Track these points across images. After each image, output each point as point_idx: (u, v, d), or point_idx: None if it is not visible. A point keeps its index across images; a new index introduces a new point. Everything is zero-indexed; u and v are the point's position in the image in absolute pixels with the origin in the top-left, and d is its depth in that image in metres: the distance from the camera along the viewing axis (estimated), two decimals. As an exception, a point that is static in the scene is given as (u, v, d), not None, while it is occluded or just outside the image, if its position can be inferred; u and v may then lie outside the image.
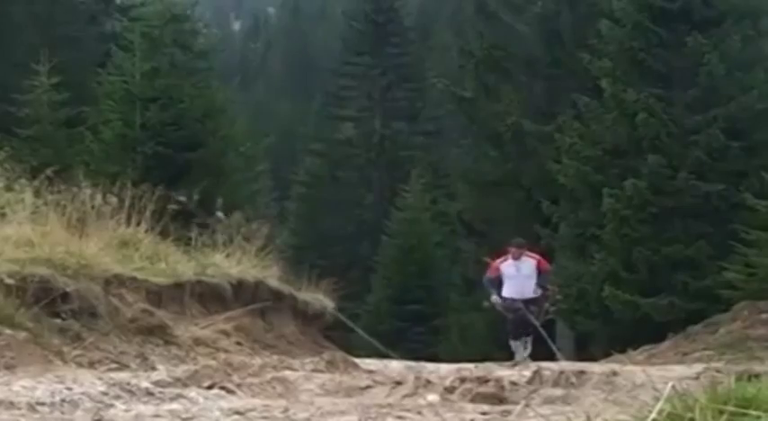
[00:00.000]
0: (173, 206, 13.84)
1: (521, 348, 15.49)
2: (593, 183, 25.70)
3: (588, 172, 25.86)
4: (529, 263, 15.51)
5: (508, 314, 15.42)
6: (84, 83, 29.38)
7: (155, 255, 12.71)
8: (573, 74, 29.93)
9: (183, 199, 14.50)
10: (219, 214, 14.81)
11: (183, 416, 6.51)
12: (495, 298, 15.41)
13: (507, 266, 15.54)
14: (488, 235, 32.38)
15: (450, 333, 32.76)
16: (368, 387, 8.48)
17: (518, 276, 15.41)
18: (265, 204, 32.41)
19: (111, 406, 6.72)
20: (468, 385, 8.06)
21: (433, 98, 45.44)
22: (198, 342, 11.28)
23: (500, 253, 16.17)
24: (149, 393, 7.22)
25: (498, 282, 15.66)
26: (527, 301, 15.23)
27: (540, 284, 15.53)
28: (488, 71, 32.17)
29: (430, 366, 11.83)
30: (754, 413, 3.12)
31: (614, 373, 8.59)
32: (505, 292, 15.48)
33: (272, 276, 15.30)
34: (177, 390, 7.53)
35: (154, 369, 9.47)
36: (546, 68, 31.28)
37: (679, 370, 10.33)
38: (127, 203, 12.53)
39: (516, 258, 15.48)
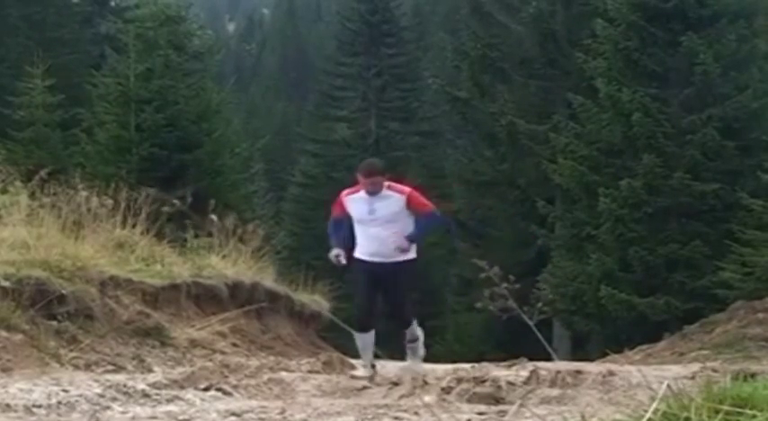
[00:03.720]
0: (166, 208, 13.85)
1: (368, 353, 9.68)
2: (588, 183, 25.71)
3: (584, 172, 25.87)
4: (393, 199, 9.45)
5: (357, 289, 9.66)
6: (78, 85, 29.41)
7: (150, 256, 12.71)
8: (568, 73, 29.98)
9: (176, 202, 14.46)
10: (213, 217, 14.79)
11: (180, 417, 6.51)
12: (335, 251, 9.49)
13: (356, 204, 9.52)
14: (484, 235, 32.45)
15: (446, 333, 32.78)
16: (365, 388, 8.48)
17: (372, 222, 9.45)
18: (261, 205, 32.39)
19: (108, 408, 6.72)
20: (464, 385, 8.06)
21: (428, 98, 45.52)
22: (194, 343, 11.27)
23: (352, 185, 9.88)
24: (146, 395, 7.23)
25: (349, 229, 9.71)
26: (388, 266, 9.43)
27: (416, 235, 9.53)
28: (483, 71, 32.22)
29: (426, 367, 11.82)
30: (749, 412, 3.13)
31: (611, 373, 8.59)
32: (356, 250, 9.65)
33: (268, 277, 15.30)
34: (174, 392, 7.53)
35: (150, 371, 9.47)
36: (541, 68, 31.32)
37: (675, 369, 10.34)
38: (122, 205, 12.54)
39: (371, 192, 9.45)
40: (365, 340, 9.69)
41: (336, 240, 9.67)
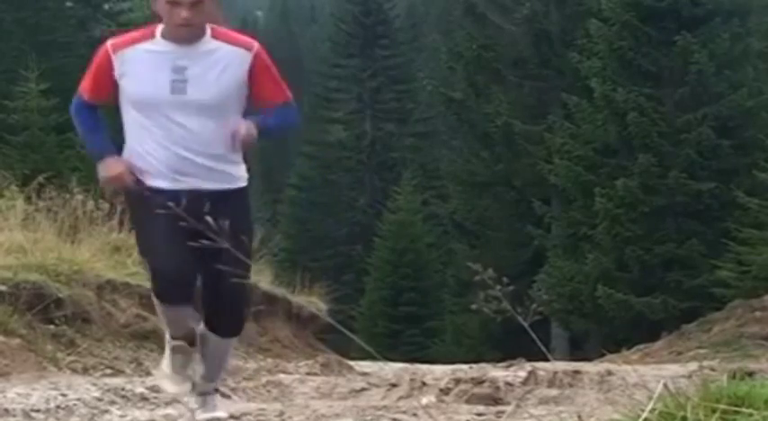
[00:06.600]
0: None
1: (184, 350, 5.32)
2: (584, 183, 25.73)
3: (579, 172, 25.89)
4: (227, 56, 4.94)
5: (151, 235, 5.06)
6: (73, 88, 29.24)
7: (147, 260, 12.68)
8: (562, 74, 30.01)
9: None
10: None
11: (178, 421, 6.51)
12: (111, 163, 5.43)
13: (143, 66, 5.09)
14: (481, 236, 32.46)
15: (444, 334, 32.78)
16: (363, 389, 8.49)
17: (180, 106, 4.95)
18: (257, 208, 32.39)
19: (107, 411, 6.72)
20: (463, 386, 8.07)
21: (423, 99, 45.54)
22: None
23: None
24: (144, 398, 7.22)
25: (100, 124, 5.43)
26: (205, 199, 4.44)
27: (273, 127, 5.30)
28: (478, 72, 32.23)
29: (425, 368, 11.84)
30: (746, 411, 3.13)
31: (609, 373, 8.61)
32: (141, 164, 5.15)
33: (265, 280, 15.29)
34: (172, 395, 7.52)
35: (148, 374, 9.46)
36: (535, 69, 31.34)
37: (673, 368, 10.35)
38: (118, 209, 12.52)
39: (184, 37, 4.95)
40: (176, 319, 5.21)
41: (100, 141, 5.52)
